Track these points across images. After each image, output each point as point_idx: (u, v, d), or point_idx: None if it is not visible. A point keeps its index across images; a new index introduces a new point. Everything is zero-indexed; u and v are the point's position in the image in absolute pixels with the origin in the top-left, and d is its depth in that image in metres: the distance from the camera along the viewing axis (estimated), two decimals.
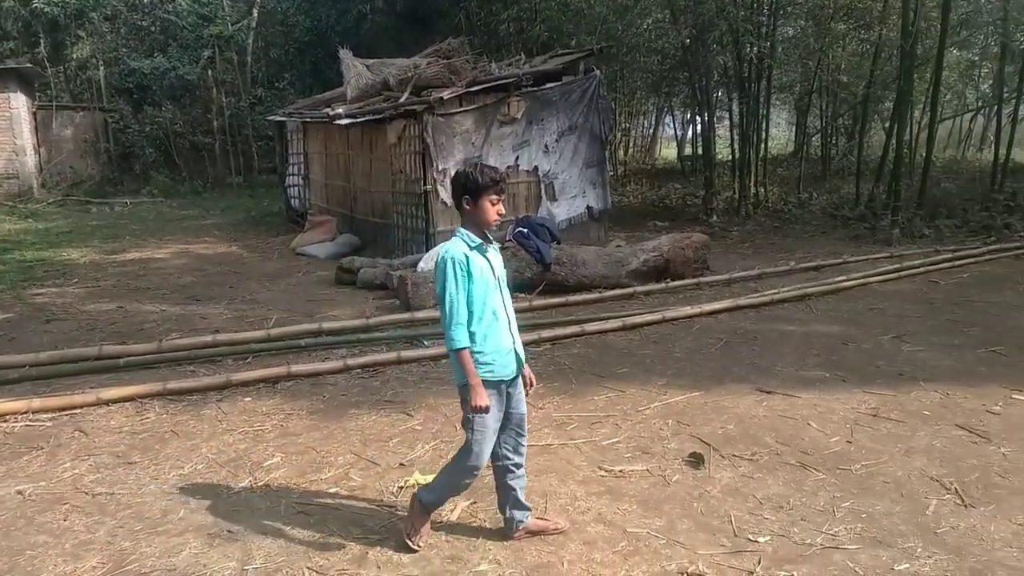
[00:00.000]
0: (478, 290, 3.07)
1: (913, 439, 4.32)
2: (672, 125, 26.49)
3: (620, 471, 4.02)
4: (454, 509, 3.63)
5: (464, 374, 3.06)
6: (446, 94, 9.32)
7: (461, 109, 9.54)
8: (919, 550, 3.19)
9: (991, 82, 21.04)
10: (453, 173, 3.35)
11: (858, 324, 6.91)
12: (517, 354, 3.24)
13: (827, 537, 3.30)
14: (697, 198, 15.81)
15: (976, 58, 21.51)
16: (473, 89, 9.60)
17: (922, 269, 9.00)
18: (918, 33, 12.45)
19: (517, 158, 10.01)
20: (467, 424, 3.17)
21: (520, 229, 8.26)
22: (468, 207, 3.11)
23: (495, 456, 3.28)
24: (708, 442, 4.34)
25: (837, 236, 12.03)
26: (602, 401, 5.09)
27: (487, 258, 3.16)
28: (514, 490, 3.31)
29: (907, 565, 3.08)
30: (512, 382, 3.24)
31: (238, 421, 4.80)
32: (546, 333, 6.53)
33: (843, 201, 14.79)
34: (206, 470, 4.10)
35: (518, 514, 3.33)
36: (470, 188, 3.09)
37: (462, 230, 3.15)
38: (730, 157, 17.46)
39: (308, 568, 3.14)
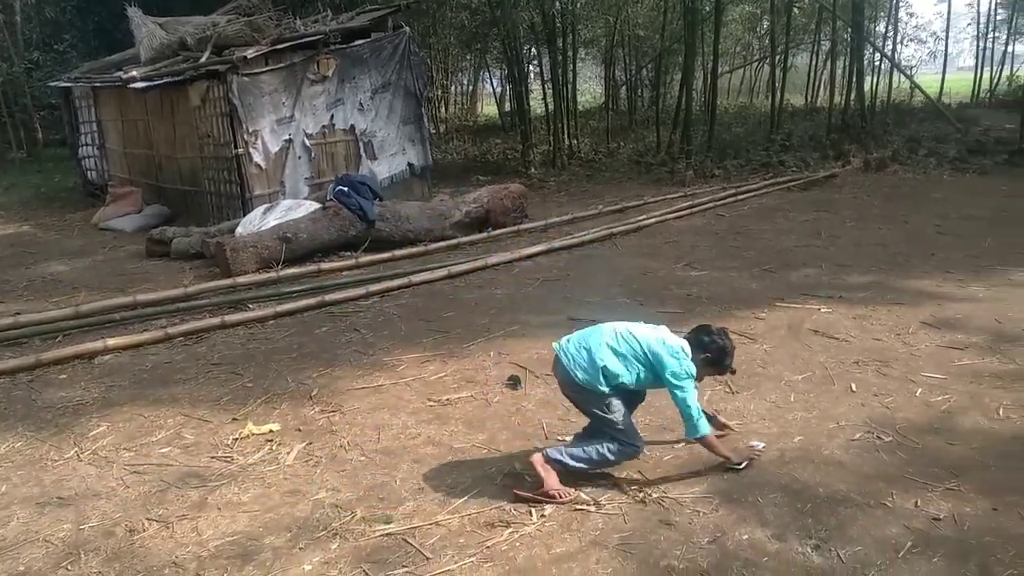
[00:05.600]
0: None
1: None
2: (490, 82, 26.96)
3: (447, 399, 4.37)
4: (291, 451, 3.82)
5: (718, 454, 3.36)
6: (250, 53, 9.03)
7: (268, 68, 9.29)
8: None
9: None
10: (704, 336, 3.36)
11: (656, 256, 7.71)
12: None
13: None
14: (517, 152, 16.40)
15: (758, 11, 23.64)
16: (279, 47, 9.37)
17: (710, 205, 10.08)
18: None
19: (332, 117, 9.94)
20: (612, 427, 3.29)
21: (340, 188, 8.30)
22: (703, 365, 3.30)
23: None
24: (525, 366, 4.80)
25: (642, 181, 13.02)
26: (430, 343, 5.40)
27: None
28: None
29: (682, 445, 3.68)
30: None
31: (55, 398, 4.64)
32: (374, 287, 6.72)
33: (647, 148, 15.93)
34: (25, 447, 3.98)
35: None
36: (716, 361, 3.31)
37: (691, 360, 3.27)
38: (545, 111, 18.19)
39: (148, 519, 3.23)
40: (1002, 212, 8.93)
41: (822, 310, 5.60)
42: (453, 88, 26.72)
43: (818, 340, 5.02)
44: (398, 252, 7.93)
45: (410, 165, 10.92)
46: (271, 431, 4.06)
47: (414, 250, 8.07)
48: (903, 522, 2.97)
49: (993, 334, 5.01)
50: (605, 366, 3.22)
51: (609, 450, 3.28)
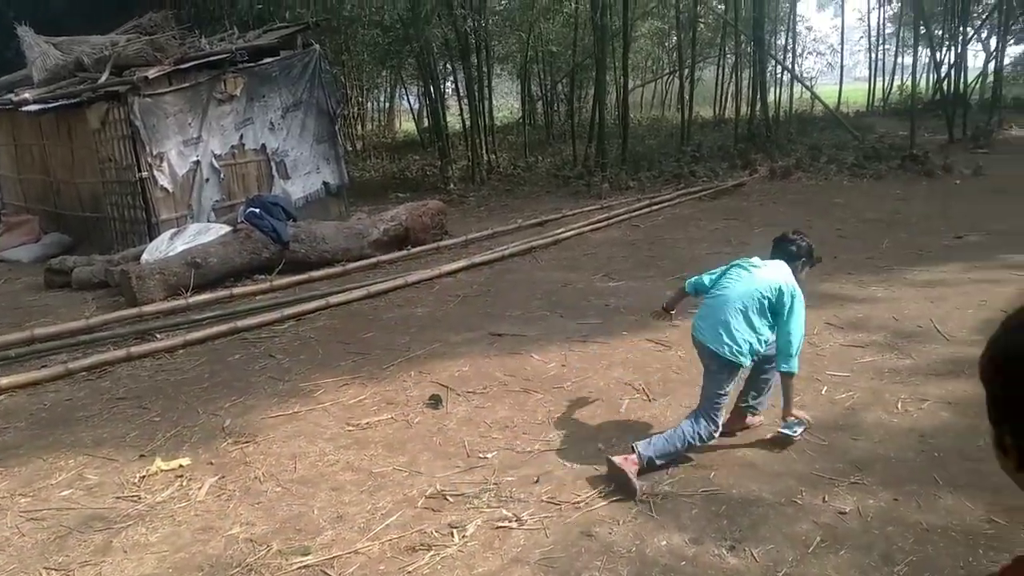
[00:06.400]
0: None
1: (613, 355, 5.11)
2: (407, 98, 26.85)
3: (366, 423, 4.29)
4: (202, 487, 3.67)
5: (789, 399, 3.61)
6: (152, 73, 8.73)
7: (172, 88, 8.99)
8: (614, 440, 3.87)
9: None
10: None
11: (575, 268, 7.81)
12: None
13: (543, 443, 3.87)
14: (436, 168, 16.37)
15: (666, 27, 24.42)
16: (183, 67, 9.09)
17: (626, 216, 10.29)
18: (606, 6, 13.91)
19: (241, 137, 9.70)
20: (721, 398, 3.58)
21: (252, 209, 8.09)
22: (803, 271, 3.69)
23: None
24: (446, 385, 4.76)
25: (560, 194, 13.17)
26: (349, 366, 5.30)
27: None
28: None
29: (603, 449, 3.73)
30: None
31: None
32: (290, 311, 6.55)
33: (564, 162, 16.17)
34: None
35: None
36: (810, 259, 3.73)
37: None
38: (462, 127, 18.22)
39: (45, 568, 3.03)
40: (896, 215, 9.45)
41: None
42: (369, 105, 26.51)
43: None
44: (315, 273, 7.77)
45: (325, 184, 10.75)
46: (181, 466, 3.89)
47: (331, 271, 7.93)
48: (812, 518, 3.07)
49: (891, 331, 5.28)
50: (749, 343, 3.48)
51: (695, 433, 3.53)
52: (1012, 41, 22.45)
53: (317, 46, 10.77)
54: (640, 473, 3.37)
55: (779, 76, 21.78)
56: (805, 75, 25.23)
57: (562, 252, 8.62)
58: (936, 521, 3.00)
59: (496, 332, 5.81)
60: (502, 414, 4.28)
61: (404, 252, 8.62)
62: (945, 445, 3.62)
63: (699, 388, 4.42)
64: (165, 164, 8.92)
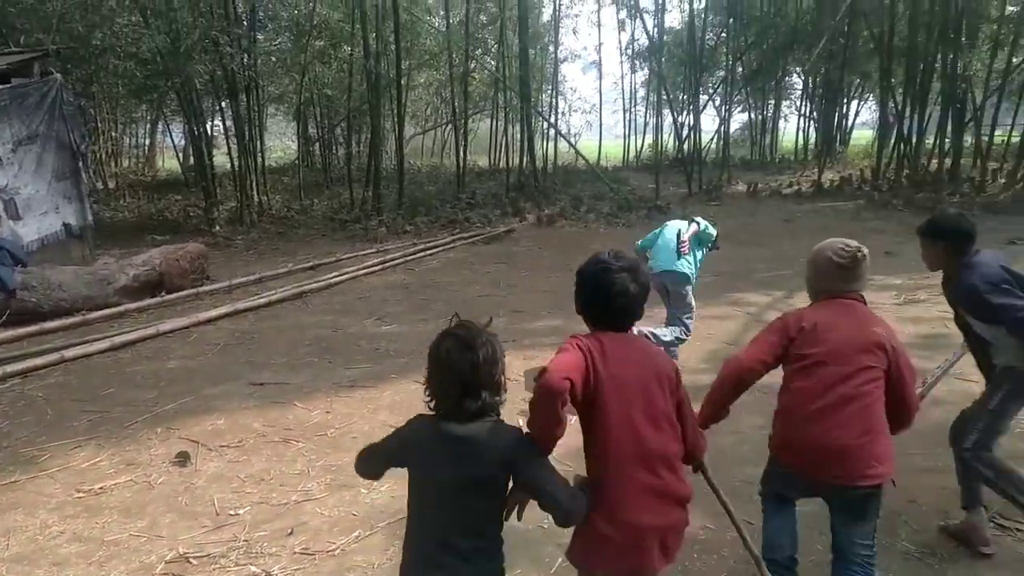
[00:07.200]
0: None
1: (380, 399, 5.10)
2: (169, 135, 25.08)
3: (100, 488, 3.88)
4: None
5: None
6: None
7: None
8: (373, 483, 3.83)
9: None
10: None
11: (347, 313, 7.71)
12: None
13: (301, 493, 3.75)
14: (201, 209, 15.41)
15: (442, 77, 25.27)
16: None
17: (402, 260, 10.41)
18: (379, 54, 14.16)
19: None
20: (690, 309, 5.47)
21: None
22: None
23: None
24: (197, 440, 4.45)
25: (336, 238, 13.01)
26: (83, 426, 4.77)
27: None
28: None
29: (364, 493, 3.70)
30: None
31: None
32: (14, 367, 5.79)
33: (341, 205, 16.01)
34: None
35: None
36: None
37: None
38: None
39: None
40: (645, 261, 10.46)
41: None
42: (127, 140, 24.46)
43: None
44: (48, 324, 6.94)
45: (66, 225, 9.69)
46: None
47: (69, 321, 7.12)
48: (555, 540, 3.24)
49: None
50: (698, 258, 5.41)
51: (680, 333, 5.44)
52: (738, 109, 26.11)
53: (58, 75, 9.77)
54: None
55: (546, 131, 23.39)
56: (573, 131, 27.40)
57: (335, 296, 8.49)
58: None
59: (257, 381, 5.56)
60: (258, 467, 4.08)
61: (158, 299, 8.00)
62: None
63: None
64: None
